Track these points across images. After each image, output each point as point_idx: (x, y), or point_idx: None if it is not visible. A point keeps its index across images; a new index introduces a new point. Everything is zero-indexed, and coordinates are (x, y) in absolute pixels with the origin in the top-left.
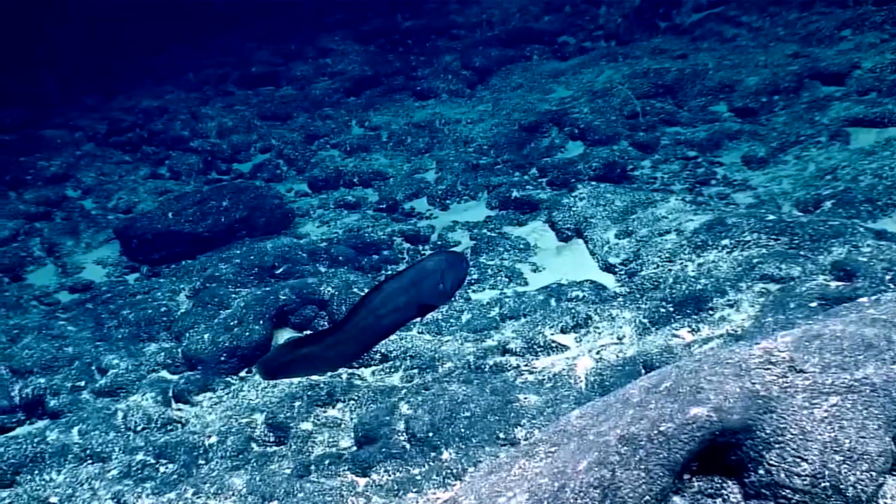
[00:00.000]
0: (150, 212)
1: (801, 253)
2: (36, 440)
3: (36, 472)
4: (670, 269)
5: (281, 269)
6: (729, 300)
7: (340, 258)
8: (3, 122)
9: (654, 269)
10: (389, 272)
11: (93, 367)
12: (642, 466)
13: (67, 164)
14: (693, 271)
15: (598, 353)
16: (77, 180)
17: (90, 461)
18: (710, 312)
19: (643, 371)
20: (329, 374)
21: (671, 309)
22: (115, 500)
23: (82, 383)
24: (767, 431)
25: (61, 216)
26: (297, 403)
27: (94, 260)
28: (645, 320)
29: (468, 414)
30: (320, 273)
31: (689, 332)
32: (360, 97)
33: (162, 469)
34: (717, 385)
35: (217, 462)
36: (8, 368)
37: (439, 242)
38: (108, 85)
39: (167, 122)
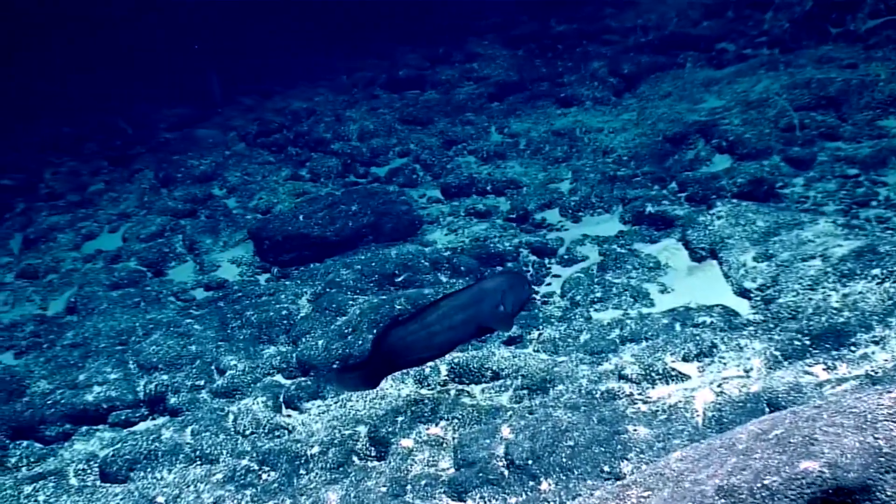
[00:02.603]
0: (282, 213)
1: None
2: (151, 437)
3: (149, 469)
4: (811, 299)
5: (401, 278)
6: (874, 336)
7: (462, 268)
8: (170, 121)
9: (794, 296)
10: None
11: (212, 367)
12: None
13: (216, 164)
14: (836, 302)
15: (719, 385)
16: (223, 179)
17: (199, 462)
18: (852, 349)
19: (767, 410)
20: (432, 390)
21: (807, 342)
22: None
23: (201, 383)
24: (888, 493)
25: (205, 214)
26: (399, 418)
27: (230, 259)
28: (777, 353)
29: (571, 443)
30: (440, 283)
31: (823, 369)
32: (503, 103)
33: (264, 476)
34: (833, 437)
35: (317, 473)
36: (136, 363)
37: (566, 256)
38: (267, 86)
39: (312, 124)
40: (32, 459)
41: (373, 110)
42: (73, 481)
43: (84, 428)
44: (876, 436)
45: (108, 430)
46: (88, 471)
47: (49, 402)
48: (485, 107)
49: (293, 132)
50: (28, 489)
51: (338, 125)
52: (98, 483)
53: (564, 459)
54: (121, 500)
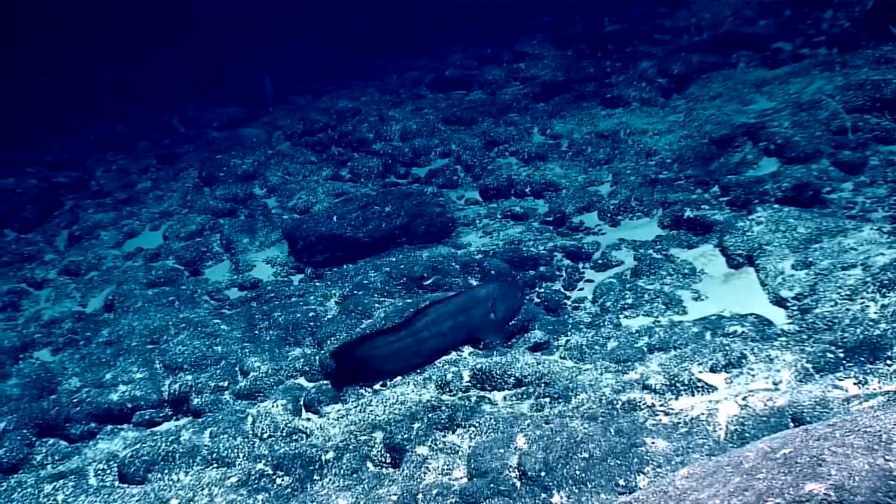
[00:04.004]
0: (317, 214)
1: None
2: (170, 439)
3: (166, 471)
4: (848, 309)
5: (429, 281)
6: None
7: (493, 272)
8: (221, 120)
9: (831, 306)
10: (542, 289)
11: (236, 369)
12: None
13: (258, 163)
14: (874, 313)
15: (744, 398)
16: (264, 178)
17: (215, 465)
18: (887, 363)
19: (791, 425)
20: (453, 396)
21: (841, 355)
22: None
23: (225, 384)
24: None
25: (245, 213)
26: (416, 425)
27: (265, 259)
28: (808, 365)
29: (586, 455)
30: (469, 287)
31: (854, 383)
32: (549, 103)
33: (278, 481)
34: (842, 458)
35: (330, 479)
36: (162, 364)
37: (601, 261)
38: (320, 85)
39: (356, 124)
40: (57, 457)
41: (417, 110)
42: (93, 481)
43: (109, 427)
44: (888, 458)
45: (131, 430)
46: (108, 471)
47: (75, 400)
48: (529, 107)
49: (337, 132)
50: (48, 488)
51: (381, 125)
52: (116, 483)
53: (578, 472)
54: (137, 501)
